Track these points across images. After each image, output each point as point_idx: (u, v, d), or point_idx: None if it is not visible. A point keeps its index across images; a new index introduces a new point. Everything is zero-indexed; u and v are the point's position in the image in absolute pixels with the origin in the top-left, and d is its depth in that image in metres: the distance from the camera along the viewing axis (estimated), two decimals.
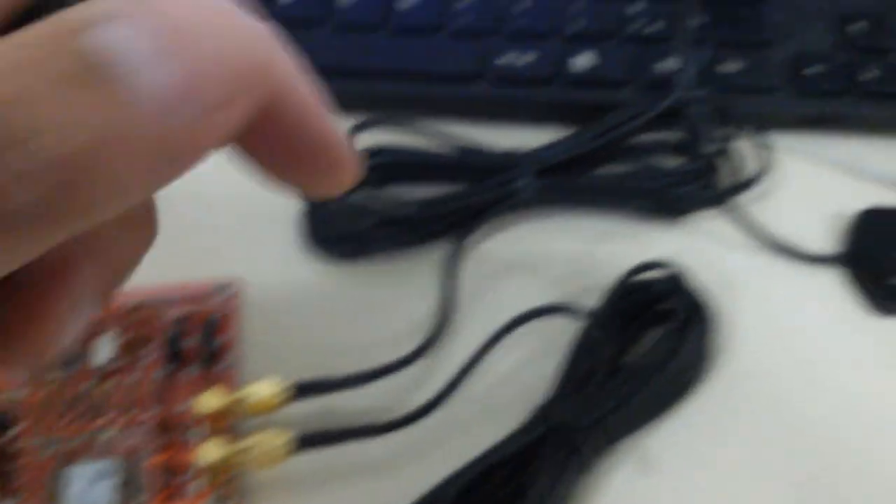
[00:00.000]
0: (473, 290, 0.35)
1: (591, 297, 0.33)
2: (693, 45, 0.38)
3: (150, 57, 0.12)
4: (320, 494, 0.30)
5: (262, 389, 0.30)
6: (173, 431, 0.30)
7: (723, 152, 0.37)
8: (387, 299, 0.35)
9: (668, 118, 0.36)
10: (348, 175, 0.16)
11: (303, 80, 0.15)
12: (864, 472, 0.31)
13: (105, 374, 0.31)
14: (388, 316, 0.34)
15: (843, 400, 0.32)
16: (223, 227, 0.37)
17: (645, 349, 0.31)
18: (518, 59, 0.39)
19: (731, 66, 0.39)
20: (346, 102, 0.38)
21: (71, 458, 0.29)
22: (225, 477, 0.29)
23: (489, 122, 0.39)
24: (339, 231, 0.35)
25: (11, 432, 0.30)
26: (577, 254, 0.36)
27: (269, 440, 0.29)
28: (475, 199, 0.36)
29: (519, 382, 0.32)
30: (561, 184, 0.36)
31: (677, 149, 0.37)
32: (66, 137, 0.11)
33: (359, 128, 0.35)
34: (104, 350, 0.32)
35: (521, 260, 0.36)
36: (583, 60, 0.39)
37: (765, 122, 0.39)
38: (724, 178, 0.37)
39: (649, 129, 0.36)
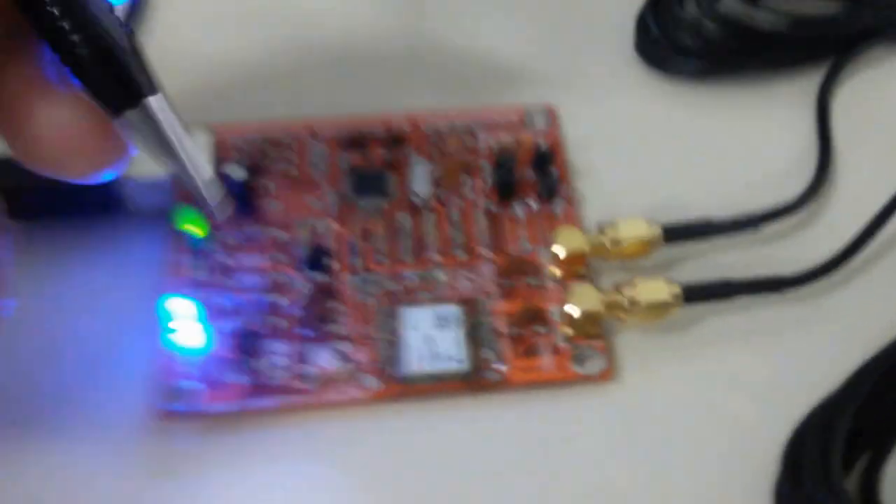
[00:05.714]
0: (849, 131, 0.28)
1: None
2: None
3: None
4: (701, 362, 0.24)
5: (633, 229, 0.25)
6: (517, 276, 0.25)
7: None
8: (744, 129, 0.29)
9: None
10: None
11: None
12: None
13: (424, 207, 0.26)
14: (745, 150, 0.28)
15: None
16: (539, 38, 0.31)
17: None
18: None
19: None
20: None
21: (398, 300, 0.24)
22: (593, 331, 0.24)
23: None
24: (686, 44, 0.29)
25: (332, 265, 0.25)
26: None
27: (656, 290, 0.23)
28: (857, 20, 0.29)
29: None
30: None
31: None
32: None
33: None
34: (419, 181, 0.27)
35: None
36: None
37: None
38: None
39: None
